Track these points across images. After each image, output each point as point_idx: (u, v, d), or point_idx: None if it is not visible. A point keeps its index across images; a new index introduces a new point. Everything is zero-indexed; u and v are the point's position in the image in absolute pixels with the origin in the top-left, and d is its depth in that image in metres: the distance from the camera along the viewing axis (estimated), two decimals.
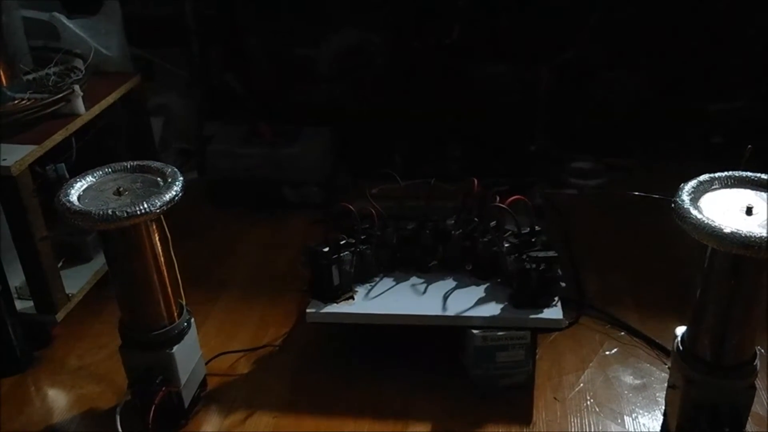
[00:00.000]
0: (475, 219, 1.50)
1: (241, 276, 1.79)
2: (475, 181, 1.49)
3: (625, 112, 2.15)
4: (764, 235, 0.96)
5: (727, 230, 0.98)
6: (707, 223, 1.00)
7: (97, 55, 1.77)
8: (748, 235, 0.97)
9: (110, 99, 1.68)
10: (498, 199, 1.45)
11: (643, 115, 2.14)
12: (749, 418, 1.15)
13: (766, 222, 1.01)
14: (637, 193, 1.24)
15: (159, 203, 1.16)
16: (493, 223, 1.49)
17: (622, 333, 1.54)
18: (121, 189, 1.21)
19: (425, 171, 1.67)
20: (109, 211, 1.13)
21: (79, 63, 1.70)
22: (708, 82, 2.10)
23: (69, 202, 1.17)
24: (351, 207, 1.48)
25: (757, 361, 1.12)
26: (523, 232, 1.44)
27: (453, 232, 1.50)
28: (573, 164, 2.14)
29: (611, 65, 2.13)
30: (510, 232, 1.48)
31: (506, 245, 1.45)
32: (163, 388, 1.27)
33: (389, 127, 2.17)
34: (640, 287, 1.67)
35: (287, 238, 1.92)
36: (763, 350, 1.16)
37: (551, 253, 1.38)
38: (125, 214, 1.13)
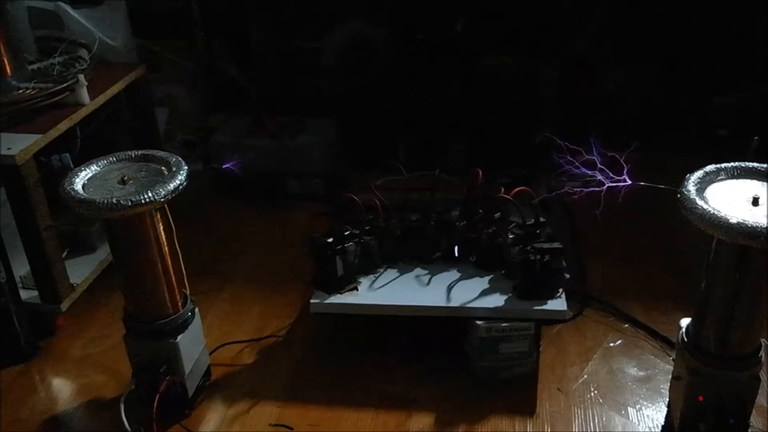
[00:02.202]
0: (480, 210, 1.50)
1: (245, 267, 1.79)
2: (479, 172, 1.48)
3: (629, 105, 2.14)
4: None
5: (733, 221, 0.97)
6: (713, 214, 0.99)
7: (102, 46, 1.77)
8: (754, 225, 0.96)
9: (115, 89, 1.68)
10: (502, 190, 1.45)
11: (648, 108, 2.13)
12: (753, 410, 1.15)
13: None
14: (642, 183, 1.24)
15: (163, 192, 1.16)
16: (497, 215, 1.48)
17: (627, 325, 1.54)
18: (126, 178, 1.21)
19: (429, 163, 1.67)
20: (114, 200, 1.13)
21: (83, 53, 1.70)
22: (713, 74, 2.09)
23: (74, 190, 1.17)
24: (355, 198, 1.48)
25: (762, 353, 1.12)
26: (527, 223, 1.44)
27: (457, 223, 1.50)
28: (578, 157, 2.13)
29: (616, 58, 2.12)
30: (514, 223, 1.47)
31: (510, 237, 1.45)
32: (167, 378, 1.28)
33: (393, 119, 2.16)
34: (645, 279, 1.66)
35: (291, 230, 1.92)
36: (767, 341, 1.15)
37: (555, 245, 1.38)
38: (130, 203, 1.13)
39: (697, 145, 2.03)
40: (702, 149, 1.98)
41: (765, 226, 0.96)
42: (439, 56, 2.14)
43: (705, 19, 2.02)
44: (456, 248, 1.49)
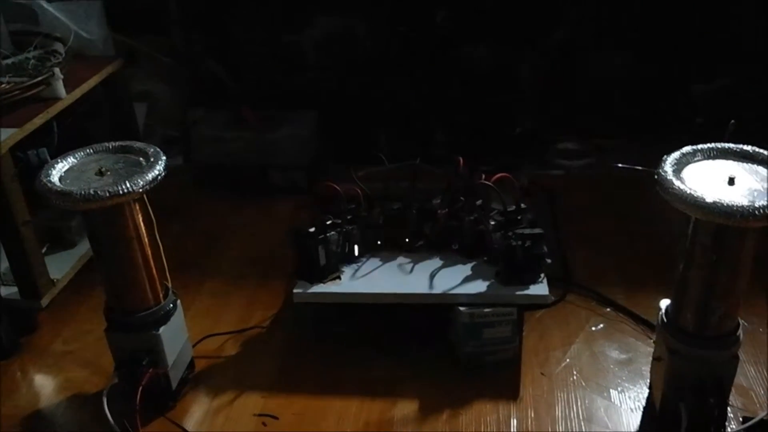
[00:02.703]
0: (461, 198, 1.50)
1: (227, 259, 1.79)
2: (461, 160, 1.49)
3: (610, 93, 2.15)
4: (746, 204, 0.97)
5: (709, 200, 0.98)
6: (689, 194, 1.00)
7: (78, 39, 1.75)
8: (730, 204, 0.97)
9: (91, 83, 1.67)
10: (483, 177, 1.45)
11: (628, 96, 2.15)
12: (732, 389, 1.16)
13: (747, 192, 1.01)
14: (620, 165, 1.25)
15: (142, 183, 1.15)
16: (479, 202, 1.49)
17: (608, 309, 1.55)
18: (103, 169, 1.19)
19: (412, 154, 1.66)
20: (91, 191, 1.12)
21: (59, 46, 1.68)
22: (691, 63, 2.10)
23: (50, 182, 1.16)
24: (337, 187, 1.47)
25: (740, 332, 1.13)
26: (508, 210, 1.45)
27: (439, 211, 1.50)
28: (559, 145, 2.15)
29: (596, 46, 2.13)
30: (496, 210, 1.48)
31: (492, 223, 1.45)
32: (150, 370, 1.27)
33: (375, 110, 2.16)
34: (626, 264, 1.68)
35: (273, 222, 1.92)
36: (745, 322, 1.16)
37: (537, 230, 1.39)
38: (107, 194, 1.12)
39: (676, 133, 2.04)
40: (680, 137, 2.00)
41: (740, 204, 0.97)
42: (421, 47, 2.14)
43: (690, 7, 2.04)
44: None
